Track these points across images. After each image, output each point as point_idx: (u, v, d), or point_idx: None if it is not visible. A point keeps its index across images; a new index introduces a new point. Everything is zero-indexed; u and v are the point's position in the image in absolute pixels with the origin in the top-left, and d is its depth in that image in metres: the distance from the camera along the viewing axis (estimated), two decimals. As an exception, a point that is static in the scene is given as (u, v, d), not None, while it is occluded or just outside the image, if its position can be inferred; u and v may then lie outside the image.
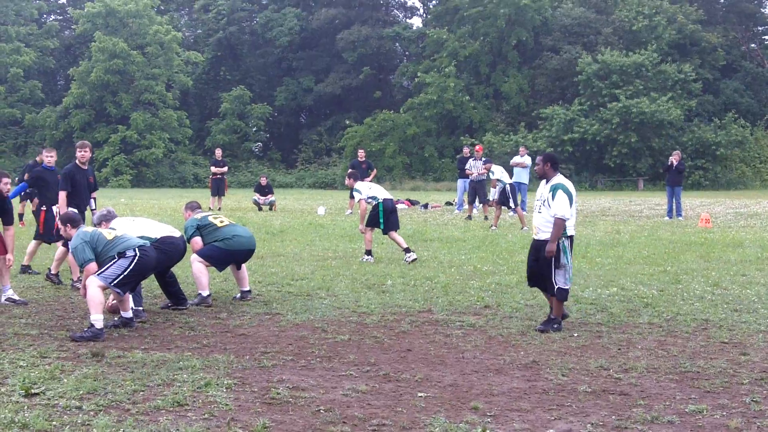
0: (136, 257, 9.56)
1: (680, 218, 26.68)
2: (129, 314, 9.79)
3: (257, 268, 14.60)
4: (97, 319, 9.14)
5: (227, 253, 11.56)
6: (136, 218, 11.81)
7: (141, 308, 10.40)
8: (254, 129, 70.17)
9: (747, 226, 24.22)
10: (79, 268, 9.75)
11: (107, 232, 9.80)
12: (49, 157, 14.54)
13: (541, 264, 9.82)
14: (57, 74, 75.39)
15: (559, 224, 9.62)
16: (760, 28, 69.33)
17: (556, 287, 9.71)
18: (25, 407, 6.62)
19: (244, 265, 11.94)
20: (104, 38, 62.74)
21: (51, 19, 76.99)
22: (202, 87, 71.79)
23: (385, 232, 16.34)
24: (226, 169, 31.61)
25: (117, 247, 9.57)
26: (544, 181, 10.06)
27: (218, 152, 32.81)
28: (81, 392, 7.01)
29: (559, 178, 9.92)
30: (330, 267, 15.09)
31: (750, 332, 9.70)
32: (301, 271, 14.39)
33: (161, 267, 10.63)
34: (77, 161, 13.35)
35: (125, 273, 9.47)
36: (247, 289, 11.90)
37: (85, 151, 13.35)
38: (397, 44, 72.74)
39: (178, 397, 6.88)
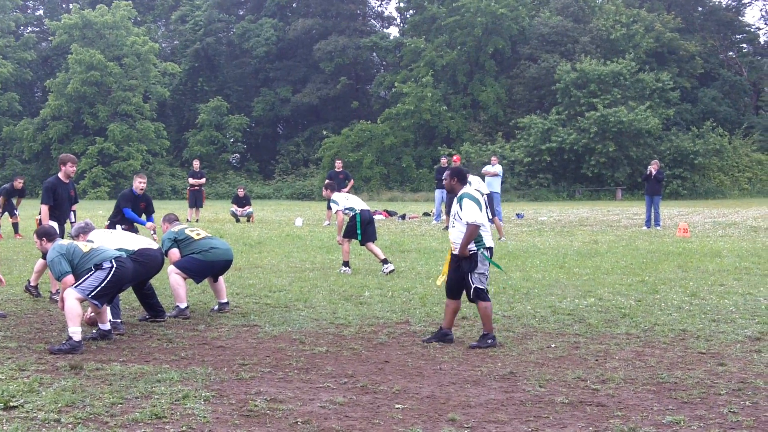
0: (113, 269, 9.53)
1: (658, 228, 26.80)
2: (107, 326, 9.76)
3: (235, 279, 14.58)
4: (75, 332, 9.11)
5: (205, 265, 11.55)
6: (113, 230, 11.78)
7: (119, 320, 10.37)
8: (231, 140, 70.06)
9: (725, 235, 24.36)
10: (57, 280, 9.70)
11: (83, 245, 9.77)
12: (141, 183, 14.50)
13: (460, 275, 9.76)
14: (34, 86, 75.02)
15: (472, 229, 9.52)
16: (738, 37, 69.83)
17: (473, 287, 9.56)
18: (4, 420, 6.61)
19: (221, 278, 11.95)
20: (81, 50, 62.53)
21: (28, 30, 76.70)
22: (180, 98, 71.62)
23: (363, 243, 16.35)
24: (203, 180, 31.55)
25: (93, 259, 9.53)
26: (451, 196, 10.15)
27: (196, 163, 32.74)
28: (60, 405, 6.99)
29: (464, 189, 9.90)
30: (308, 278, 15.09)
31: (728, 342, 9.75)
32: (279, 283, 14.38)
33: (139, 279, 10.60)
34: (60, 175, 13.27)
35: (102, 285, 9.44)
36: (225, 300, 11.89)
37: (73, 167, 13.35)
38: (375, 54, 72.82)
39: (156, 410, 6.86)
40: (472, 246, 9.56)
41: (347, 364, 8.73)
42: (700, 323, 10.82)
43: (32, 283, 12.98)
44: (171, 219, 12.32)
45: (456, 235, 9.74)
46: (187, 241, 11.65)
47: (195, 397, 7.32)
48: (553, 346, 9.61)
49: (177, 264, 11.48)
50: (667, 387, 7.86)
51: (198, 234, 11.80)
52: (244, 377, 8.11)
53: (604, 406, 7.25)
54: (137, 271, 10.25)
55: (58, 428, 6.40)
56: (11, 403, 6.99)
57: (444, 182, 10.16)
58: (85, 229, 10.94)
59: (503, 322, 11.01)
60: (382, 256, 16.00)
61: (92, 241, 10.26)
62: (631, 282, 14.55)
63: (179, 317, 11.22)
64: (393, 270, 15.70)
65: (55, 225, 12.59)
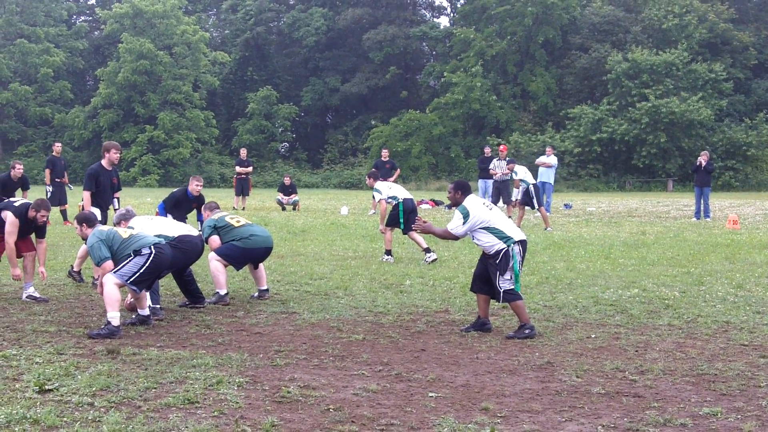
0: (152, 255, 9.58)
1: (708, 219, 26.46)
2: (146, 312, 9.81)
3: (276, 267, 14.61)
4: (114, 317, 9.17)
5: (245, 252, 11.58)
6: (154, 217, 11.85)
7: (158, 306, 10.42)
8: (281, 129, 70.29)
9: (775, 227, 23.98)
10: (96, 266, 9.77)
11: (123, 231, 9.82)
12: (198, 186, 14.45)
13: (486, 270, 9.71)
14: (86, 74, 75.84)
15: (446, 234, 9.82)
16: (792, 27, 68.69)
17: (501, 290, 9.47)
18: (38, 403, 6.64)
19: (261, 265, 11.97)
20: (131, 39, 63.09)
21: (80, 20, 77.59)
22: (229, 87, 71.98)
23: (405, 231, 16.31)
24: (250, 169, 31.68)
25: (133, 245, 9.58)
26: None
27: (243, 152, 32.90)
28: (94, 389, 7.03)
29: (464, 202, 9.79)
30: (349, 267, 15.07)
31: (771, 334, 9.59)
32: (320, 271, 14.38)
33: (179, 265, 10.65)
34: (104, 162, 13.38)
35: (141, 270, 9.48)
36: (265, 287, 11.91)
37: (117, 153, 13.48)
38: (424, 44, 72.67)
39: (189, 395, 6.88)
40: (501, 244, 9.49)
41: (383, 352, 8.70)
42: (744, 315, 10.64)
43: (75, 269, 13.11)
44: (212, 207, 12.39)
45: (478, 241, 9.70)
46: (227, 228, 11.68)
47: (228, 382, 7.33)
48: (593, 336, 9.50)
49: (217, 251, 11.53)
50: (707, 379, 7.73)
51: (238, 221, 11.83)
52: (279, 364, 8.11)
53: (640, 397, 7.14)
54: (176, 258, 10.30)
55: (91, 412, 6.43)
56: (46, 387, 7.04)
57: (448, 195, 10.13)
58: (126, 216, 11.02)
59: (544, 312, 10.91)
60: (425, 245, 15.94)
61: (132, 228, 10.33)
62: (676, 273, 14.36)
63: (219, 303, 11.27)
64: (436, 259, 15.64)
65: (97, 211, 12.72)
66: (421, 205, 32.10)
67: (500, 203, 27.47)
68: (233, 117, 70.85)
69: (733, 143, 54.31)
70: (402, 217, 16.11)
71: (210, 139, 66.44)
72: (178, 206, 14.06)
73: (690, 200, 34.05)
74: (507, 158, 27.17)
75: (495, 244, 9.52)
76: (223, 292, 11.40)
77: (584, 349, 8.90)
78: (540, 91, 61.60)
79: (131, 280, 9.43)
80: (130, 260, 9.48)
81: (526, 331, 9.42)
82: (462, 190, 9.90)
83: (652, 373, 7.92)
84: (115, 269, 9.42)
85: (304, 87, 70.62)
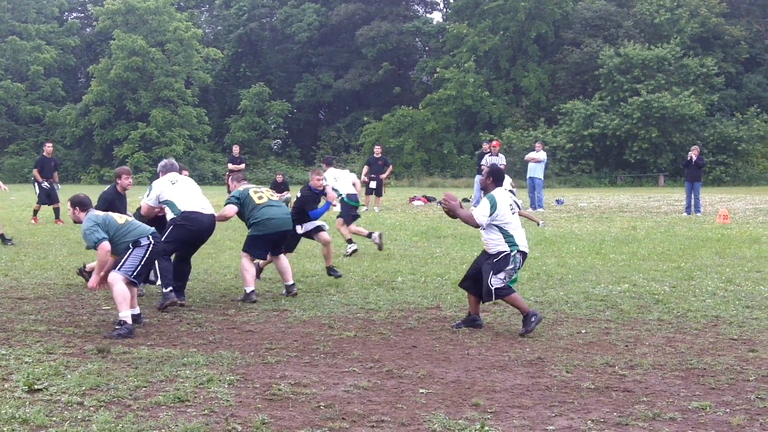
0: (151, 245, 9.54)
1: (698, 214, 26.52)
2: (137, 310, 9.80)
3: (269, 264, 14.60)
4: (126, 316, 9.14)
5: (265, 239, 11.65)
6: (177, 182, 11.48)
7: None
8: (273, 126, 70.22)
9: (766, 222, 24.05)
10: (92, 248, 9.59)
11: (118, 217, 9.72)
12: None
13: (478, 270, 9.66)
14: (78, 72, 75.72)
15: (469, 219, 9.50)
16: (784, 21, 68.75)
17: (493, 288, 9.36)
18: (27, 403, 6.63)
19: (285, 258, 12.08)
20: (123, 36, 62.99)
21: (72, 16, 77.41)
22: (222, 84, 71.91)
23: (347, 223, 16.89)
24: (243, 166, 31.64)
25: (129, 233, 9.48)
26: None
27: (236, 149, 32.85)
28: (84, 388, 7.01)
29: (493, 192, 9.64)
30: (341, 264, 15.08)
31: (760, 329, 9.63)
32: (312, 268, 14.40)
33: (185, 243, 10.90)
34: (118, 188, 13.09)
35: (142, 263, 9.46)
36: (291, 282, 11.91)
37: (129, 179, 13.10)
38: (417, 39, 72.65)
39: (179, 393, 6.88)
40: (505, 246, 9.44)
41: (374, 349, 8.72)
42: (734, 309, 10.69)
43: (86, 269, 12.96)
44: (239, 178, 12.47)
45: (486, 237, 9.60)
46: (250, 205, 11.64)
47: (219, 380, 7.33)
48: (583, 331, 9.54)
49: (244, 248, 11.65)
50: (696, 373, 7.76)
51: (260, 198, 11.72)
52: (270, 361, 8.12)
53: (630, 391, 7.18)
54: (180, 236, 10.65)
55: (80, 411, 6.43)
56: (36, 386, 7.02)
57: (481, 180, 10.08)
58: (168, 168, 11.48)
59: (535, 307, 10.91)
60: (348, 236, 16.45)
61: (130, 216, 10.24)
62: (666, 268, 14.41)
63: (245, 301, 11.27)
64: (356, 250, 16.15)
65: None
66: (413, 202, 32.12)
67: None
68: (226, 114, 70.76)
69: (724, 138, 54.36)
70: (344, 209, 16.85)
71: (202, 136, 66.37)
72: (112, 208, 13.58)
73: (681, 195, 34.05)
74: (499, 153, 27.25)
75: (499, 245, 9.46)
76: (249, 289, 11.38)
77: (574, 345, 8.93)
78: (532, 87, 61.62)
79: (135, 274, 9.41)
80: (130, 253, 9.42)
81: (533, 320, 9.34)
82: (494, 178, 9.78)
83: (642, 367, 7.96)
84: (118, 266, 9.36)
85: (297, 83, 70.57)
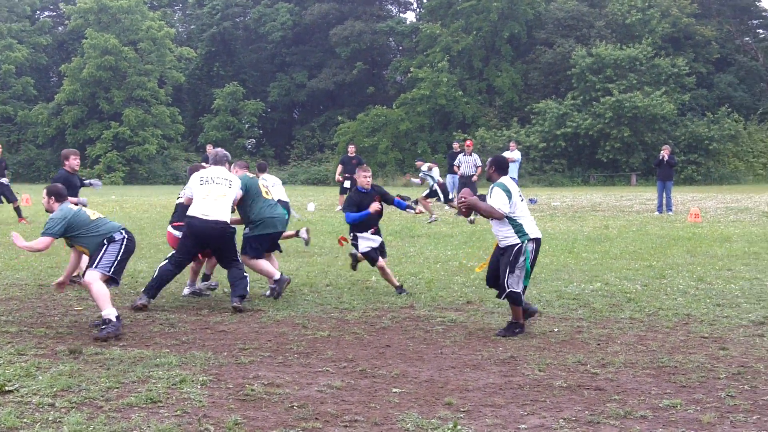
0: (125, 240, 9.48)
1: (670, 213, 26.69)
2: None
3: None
4: (109, 314, 9.08)
5: (267, 239, 11.59)
6: (206, 183, 11.13)
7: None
8: (247, 125, 70.02)
9: (736, 220, 24.23)
10: (42, 235, 9.45)
11: (91, 213, 9.67)
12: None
13: (498, 265, 9.55)
14: (50, 71, 75.15)
15: (492, 210, 9.32)
16: (754, 22, 69.12)
17: (508, 290, 9.28)
18: (-2, 405, 6.60)
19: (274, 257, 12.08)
20: (96, 35, 62.59)
21: (44, 15, 76.84)
22: (195, 83, 71.63)
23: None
24: (216, 165, 31.56)
25: (101, 228, 9.42)
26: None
27: (209, 148, 32.78)
28: (55, 389, 6.99)
29: (501, 179, 9.60)
30: (316, 263, 15.08)
31: (731, 327, 9.71)
32: (287, 268, 14.36)
33: (187, 248, 10.91)
34: (67, 168, 13.36)
35: (118, 258, 9.41)
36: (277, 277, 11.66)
37: (76, 159, 13.57)
38: (391, 39, 72.63)
39: (152, 394, 6.86)
40: (515, 239, 9.33)
41: (348, 349, 8.73)
42: (705, 308, 10.78)
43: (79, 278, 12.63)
44: (243, 165, 12.37)
45: (496, 228, 9.51)
46: (254, 196, 11.48)
47: (192, 381, 7.32)
48: (555, 330, 9.59)
49: (243, 252, 11.47)
50: (667, 371, 7.82)
51: (267, 193, 11.61)
52: (243, 362, 8.11)
53: (602, 390, 7.23)
54: (183, 237, 10.88)
55: (52, 413, 6.39)
56: (6, 388, 6.99)
57: (486, 168, 9.86)
58: (222, 159, 11.35)
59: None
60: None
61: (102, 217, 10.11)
62: (638, 267, 14.50)
63: (281, 288, 11.32)
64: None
65: None
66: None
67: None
68: (199, 113, 70.47)
69: (695, 137, 54.68)
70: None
71: (176, 135, 66.06)
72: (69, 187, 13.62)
73: (653, 194, 34.25)
74: (473, 153, 27.39)
75: (509, 237, 9.37)
76: (276, 276, 11.39)
77: (547, 343, 8.98)
78: (505, 87, 61.75)
79: (113, 270, 9.35)
80: (105, 249, 9.35)
81: (516, 330, 9.33)
82: (497, 167, 9.73)
83: (614, 366, 8.01)
84: (95, 263, 9.29)
85: (271, 83, 70.40)
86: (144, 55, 64.71)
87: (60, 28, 75.86)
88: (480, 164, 27.51)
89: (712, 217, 25.48)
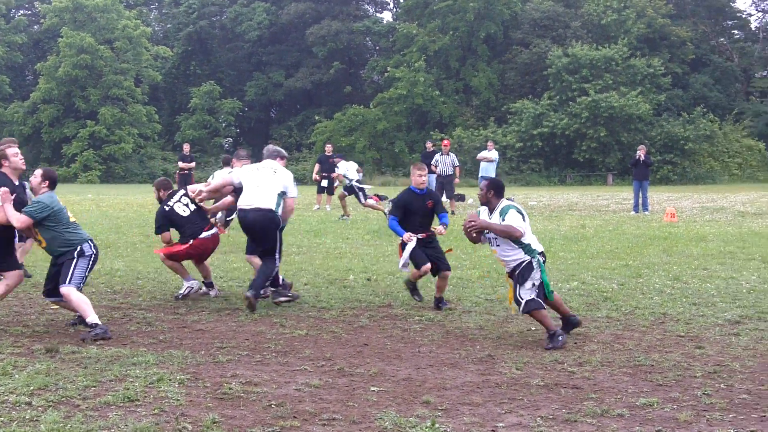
0: (93, 256, 9.42)
1: (646, 213, 26.82)
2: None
3: (219, 263, 14.56)
4: (94, 319, 9.01)
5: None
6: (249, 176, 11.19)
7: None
8: (224, 124, 69.88)
9: (712, 220, 24.40)
10: (22, 215, 9.22)
11: (70, 214, 9.59)
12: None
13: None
14: (25, 69, 74.74)
15: (511, 229, 8.92)
16: (729, 23, 69.69)
17: (523, 301, 8.87)
18: (-26, 403, 6.56)
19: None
20: (71, 33, 62.28)
21: (19, 13, 76.37)
22: (172, 82, 71.40)
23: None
24: (193, 164, 31.53)
25: (75, 233, 9.35)
26: (486, 210, 9.36)
27: (186, 147, 32.66)
28: (32, 388, 6.94)
29: (504, 203, 9.24)
30: (293, 262, 15.06)
31: (707, 326, 9.76)
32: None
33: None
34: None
35: (87, 273, 9.36)
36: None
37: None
38: (368, 39, 72.68)
39: (129, 393, 6.83)
40: (524, 256, 8.97)
41: (326, 347, 8.72)
42: (681, 307, 10.84)
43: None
44: (241, 156, 12.59)
45: (504, 253, 9.14)
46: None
47: (170, 380, 7.29)
48: (533, 329, 9.61)
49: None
50: (644, 370, 7.86)
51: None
52: (221, 360, 8.09)
53: (579, 388, 7.25)
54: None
55: (29, 411, 6.35)
56: (-17, 386, 6.96)
57: (479, 194, 9.41)
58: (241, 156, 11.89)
59: (485, 305, 11.02)
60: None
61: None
62: (615, 266, 14.57)
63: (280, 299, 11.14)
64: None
65: None
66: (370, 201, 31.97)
67: (443, 198, 27.65)
68: (176, 112, 70.26)
69: (671, 137, 54.97)
70: None
71: (152, 134, 65.84)
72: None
73: (629, 194, 34.42)
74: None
75: (518, 257, 9.01)
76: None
77: (524, 342, 9.01)
78: (482, 86, 61.88)
79: (82, 284, 9.31)
80: (75, 264, 9.24)
81: (560, 339, 8.81)
82: (495, 190, 9.31)
83: (591, 364, 8.05)
84: (68, 278, 9.16)
85: (248, 82, 70.28)
86: (120, 54, 64.47)
87: (35, 26, 75.42)
88: (458, 164, 27.56)
89: (687, 216, 25.64)
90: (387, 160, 60.76)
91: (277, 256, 10.92)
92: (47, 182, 9.57)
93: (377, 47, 74.15)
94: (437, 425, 6.22)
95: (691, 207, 29.17)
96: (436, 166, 26.86)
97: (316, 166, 28.88)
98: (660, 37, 61.10)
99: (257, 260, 11.10)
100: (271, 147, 11.62)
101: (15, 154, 9.44)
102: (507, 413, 6.57)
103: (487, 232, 9.19)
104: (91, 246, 9.43)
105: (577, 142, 54.93)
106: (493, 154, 28.85)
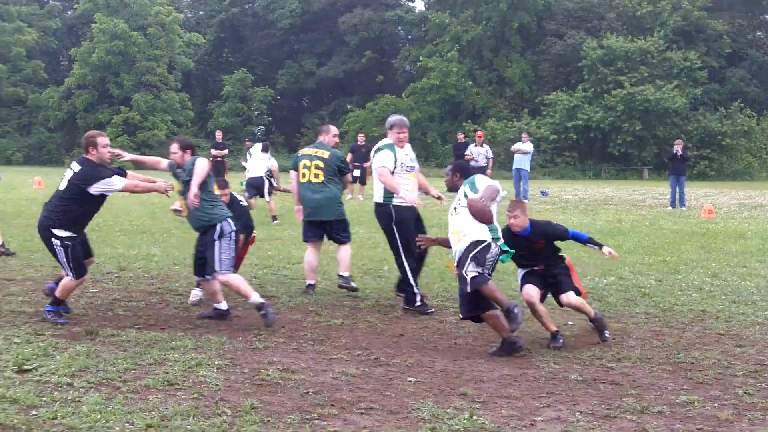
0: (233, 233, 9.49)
1: (683, 208, 26.59)
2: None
3: (254, 250, 14.53)
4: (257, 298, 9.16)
5: (304, 224, 11.35)
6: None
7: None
8: (256, 112, 70.07)
9: (750, 217, 24.15)
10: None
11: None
12: None
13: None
14: (60, 54, 75.24)
15: (492, 192, 8.16)
16: (766, 16, 68.94)
17: (468, 278, 8.07)
18: (17, 383, 6.60)
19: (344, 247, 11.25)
20: (105, 19, 62.63)
21: (53, -1, 76.98)
22: (204, 69, 71.63)
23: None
24: (226, 151, 31.51)
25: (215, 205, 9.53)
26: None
27: (218, 134, 32.73)
28: (73, 369, 6.99)
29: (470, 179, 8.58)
30: (328, 251, 15.00)
31: (747, 324, 9.66)
32: (298, 255, 14.28)
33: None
34: None
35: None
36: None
37: None
38: (400, 28, 72.55)
39: (168, 377, 6.86)
40: (486, 236, 8.24)
41: (362, 337, 8.72)
42: (720, 304, 10.73)
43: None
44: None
45: (458, 227, 8.45)
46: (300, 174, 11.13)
47: (208, 365, 7.31)
48: (570, 323, 9.56)
49: None
50: (683, 367, 7.79)
51: (303, 176, 11.05)
52: (257, 347, 8.11)
53: (618, 384, 7.19)
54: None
55: (70, 392, 6.39)
56: (25, 366, 7.00)
57: (446, 180, 8.90)
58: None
59: (521, 300, 10.93)
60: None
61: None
62: (652, 262, 14.45)
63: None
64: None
65: None
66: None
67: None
68: (209, 99, 70.50)
69: (708, 132, 54.54)
70: None
71: (186, 121, 66.12)
72: None
73: (665, 189, 34.19)
74: (483, 143, 27.37)
75: (477, 233, 8.29)
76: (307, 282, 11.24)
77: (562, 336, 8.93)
78: (516, 77, 61.64)
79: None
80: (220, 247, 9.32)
81: (517, 313, 8.03)
82: (462, 173, 8.81)
83: (630, 360, 7.98)
84: (219, 264, 9.25)
85: (280, 70, 70.36)
86: (153, 41, 64.77)
87: (69, 12, 75.86)
88: (491, 156, 27.47)
89: (725, 213, 25.39)
90: (419, 150, 60.48)
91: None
92: (189, 150, 9.66)
93: (409, 36, 73.99)
94: (475, 417, 6.19)
95: (729, 203, 28.91)
96: (471, 156, 26.78)
97: (349, 156, 28.83)
98: (696, 30, 60.52)
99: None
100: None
101: (105, 145, 9.08)
102: (545, 407, 6.53)
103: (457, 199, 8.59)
104: (230, 224, 9.35)
105: (612, 136, 54.63)
106: (528, 146, 28.68)
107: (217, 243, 9.20)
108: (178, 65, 67.05)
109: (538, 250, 8.86)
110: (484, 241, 8.26)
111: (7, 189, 28.68)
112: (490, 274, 8.23)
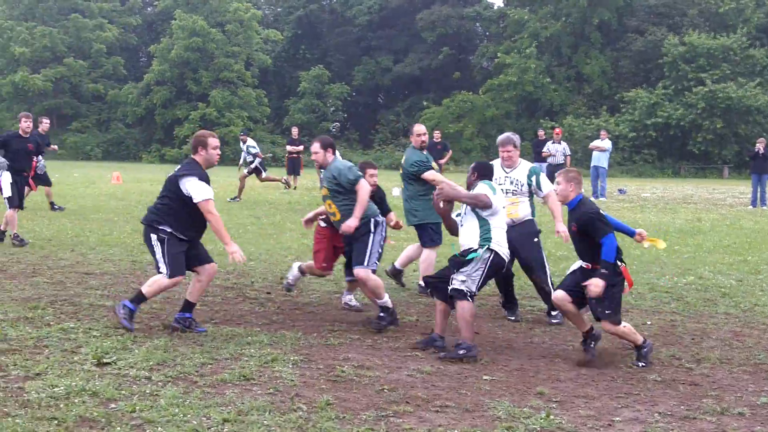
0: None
1: (764, 208, 26.08)
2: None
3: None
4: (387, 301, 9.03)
5: None
6: None
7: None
8: (332, 109, 70.34)
9: (833, 217, 23.58)
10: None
11: None
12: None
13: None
14: (139, 51, 76.45)
15: (477, 198, 8.01)
16: None
17: (450, 288, 8.04)
18: (96, 376, 6.70)
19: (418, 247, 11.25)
20: (184, 16, 63.47)
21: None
22: (281, 65, 72.13)
23: None
24: (301, 148, 31.65)
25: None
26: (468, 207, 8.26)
27: (294, 131, 32.87)
28: (151, 363, 7.08)
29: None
30: (401, 248, 15.01)
31: (830, 325, 9.44)
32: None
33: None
34: (20, 131, 14.60)
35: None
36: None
37: (27, 122, 14.69)
38: (477, 24, 72.24)
39: (244, 371, 6.92)
40: (475, 243, 8.01)
41: (437, 334, 8.68)
42: (803, 306, 10.49)
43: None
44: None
45: (463, 233, 8.26)
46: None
47: (283, 360, 7.36)
48: (648, 323, 9.43)
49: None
50: (765, 369, 7.65)
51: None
52: (332, 343, 8.13)
53: (697, 385, 7.08)
54: None
55: (149, 386, 6.48)
56: (104, 360, 7.11)
57: (468, 179, 8.53)
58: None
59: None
60: None
61: None
62: (733, 261, 14.19)
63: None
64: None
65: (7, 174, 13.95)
66: None
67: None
68: (285, 96, 70.99)
69: (791, 130, 53.37)
70: None
71: (262, 117, 66.67)
72: (6, 146, 14.40)
73: (746, 188, 33.56)
74: (561, 140, 27.15)
75: (470, 240, 8.10)
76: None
77: (640, 336, 8.81)
78: (594, 74, 60.95)
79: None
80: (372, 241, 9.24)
81: (460, 352, 7.75)
82: (479, 172, 8.46)
83: (709, 361, 7.85)
84: (368, 260, 9.06)
85: (356, 66, 70.57)
86: (231, 37, 65.42)
87: (149, 8, 77.06)
88: (569, 153, 27.25)
89: (808, 212, 24.85)
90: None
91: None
92: (330, 149, 9.36)
93: (487, 33, 73.65)
94: (552, 417, 6.13)
95: (812, 203, 28.23)
96: (548, 153, 26.59)
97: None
98: (780, 27, 59.24)
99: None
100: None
101: (215, 147, 8.70)
102: (623, 408, 6.44)
103: (460, 214, 8.43)
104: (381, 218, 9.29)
105: (693, 134, 53.72)
106: (606, 144, 28.37)
107: (371, 236, 9.05)
108: (256, 62, 67.64)
109: (574, 235, 8.09)
110: (472, 248, 8.05)
111: (86, 184, 29.27)
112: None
